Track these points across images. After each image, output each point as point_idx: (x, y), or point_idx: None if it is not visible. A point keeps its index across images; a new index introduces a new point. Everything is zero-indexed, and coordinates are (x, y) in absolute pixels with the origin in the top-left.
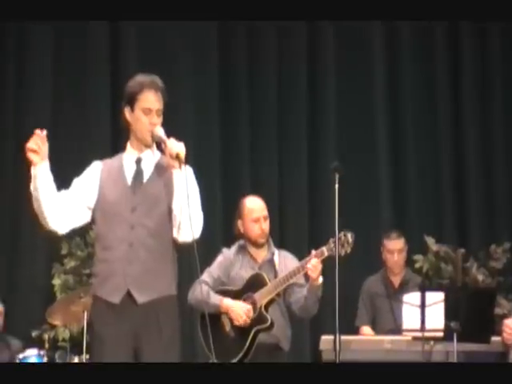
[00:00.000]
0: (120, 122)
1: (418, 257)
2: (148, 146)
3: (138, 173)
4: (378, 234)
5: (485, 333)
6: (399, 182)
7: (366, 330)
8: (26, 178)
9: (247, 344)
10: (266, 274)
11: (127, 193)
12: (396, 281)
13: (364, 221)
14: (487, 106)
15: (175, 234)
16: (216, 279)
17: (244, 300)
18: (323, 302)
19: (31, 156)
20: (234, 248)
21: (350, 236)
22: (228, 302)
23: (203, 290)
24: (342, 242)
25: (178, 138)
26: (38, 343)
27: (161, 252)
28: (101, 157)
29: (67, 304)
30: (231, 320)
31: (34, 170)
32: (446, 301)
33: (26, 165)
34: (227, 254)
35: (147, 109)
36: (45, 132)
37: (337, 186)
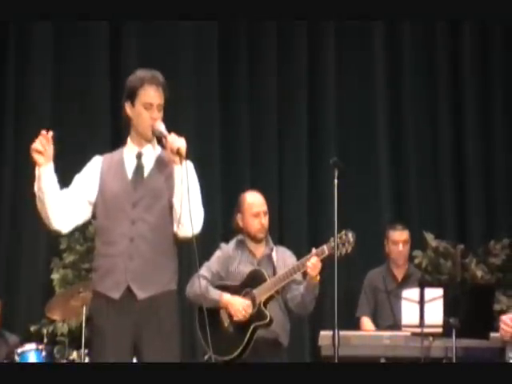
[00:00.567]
0: (121, 122)
1: (417, 252)
2: (149, 141)
3: (139, 167)
4: (378, 231)
5: (484, 329)
6: (399, 179)
7: (367, 321)
8: (26, 174)
9: (245, 340)
10: (265, 270)
11: (128, 188)
12: (399, 274)
13: (364, 217)
14: (488, 106)
15: (175, 229)
16: (215, 274)
17: (243, 296)
18: (322, 298)
19: (36, 157)
20: (232, 243)
21: (351, 235)
22: (227, 297)
23: (202, 284)
24: (343, 241)
25: (179, 134)
26: (36, 338)
27: (161, 247)
28: None
29: (66, 298)
30: (230, 315)
31: (38, 171)
32: (445, 297)
33: (30, 164)
34: (226, 248)
35: (148, 103)
36: (50, 133)
37: (336, 181)
